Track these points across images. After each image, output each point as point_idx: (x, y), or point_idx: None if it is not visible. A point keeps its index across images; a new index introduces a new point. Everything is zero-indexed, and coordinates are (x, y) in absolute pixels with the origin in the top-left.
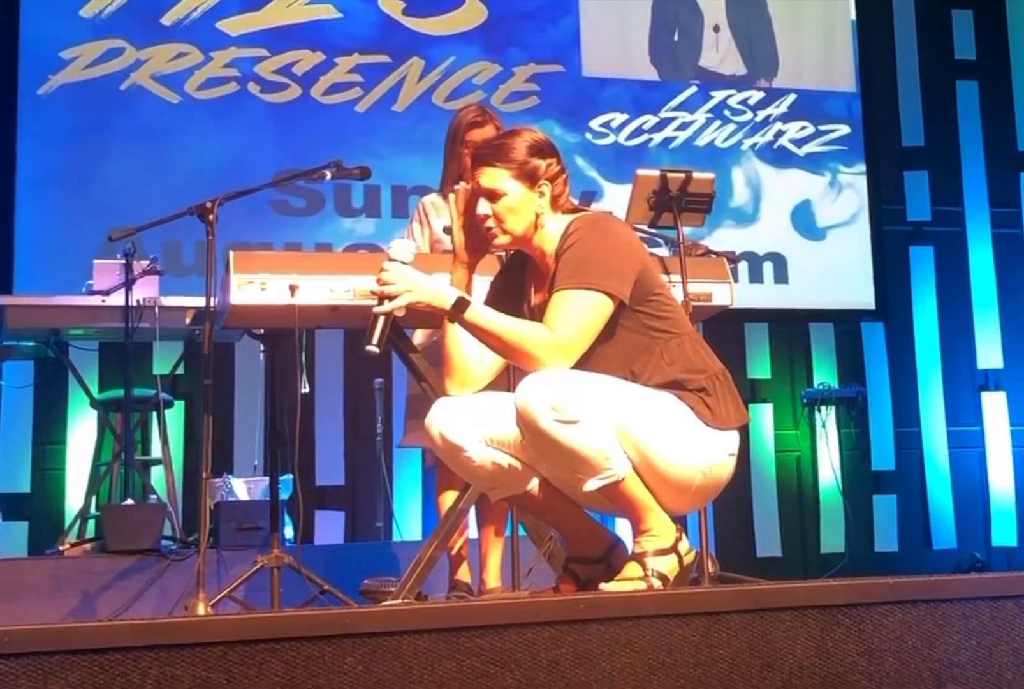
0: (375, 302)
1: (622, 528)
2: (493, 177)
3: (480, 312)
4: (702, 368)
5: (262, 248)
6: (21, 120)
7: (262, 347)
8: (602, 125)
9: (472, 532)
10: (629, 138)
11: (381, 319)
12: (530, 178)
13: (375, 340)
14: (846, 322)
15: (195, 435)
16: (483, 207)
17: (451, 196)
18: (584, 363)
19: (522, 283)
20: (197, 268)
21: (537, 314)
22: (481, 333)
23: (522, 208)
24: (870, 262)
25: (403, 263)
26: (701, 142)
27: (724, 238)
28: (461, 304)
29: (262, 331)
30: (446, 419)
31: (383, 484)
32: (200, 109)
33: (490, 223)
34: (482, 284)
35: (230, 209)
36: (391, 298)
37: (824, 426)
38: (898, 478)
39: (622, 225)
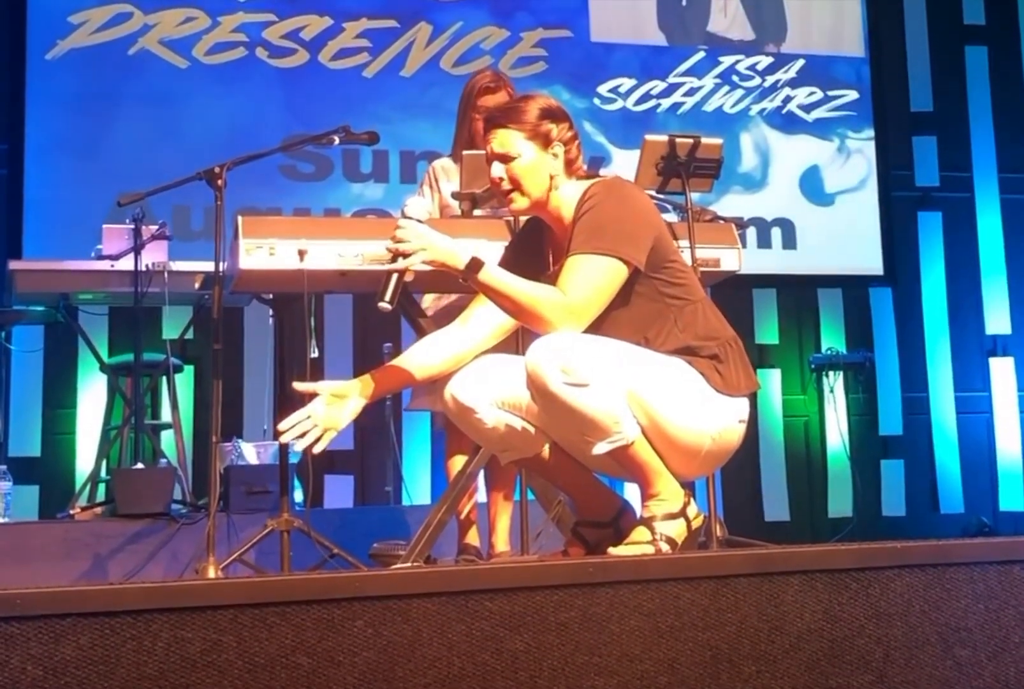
0: (387, 262)
1: (631, 492)
2: (506, 139)
3: (494, 273)
4: (714, 335)
5: (271, 213)
6: (30, 85)
7: (271, 312)
8: (610, 90)
9: (481, 496)
10: (637, 103)
11: (394, 277)
12: (543, 140)
13: (387, 297)
14: (854, 288)
15: (205, 399)
16: (497, 170)
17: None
18: (598, 328)
19: (540, 250)
20: (206, 233)
21: (556, 281)
22: (494, 294)
23: (536, 169)
24: (878, 228)
25: (418, 221)
26: (709, 107)
27: (732, 204)
28: (475, 265)
29: (271, 296)
30: (458, 381)
31: (392, 448)
32: (208, 74)
33: (506, 186)
34: (494, 250)
35: (239, 174)
36: (405, 256)
37: (832, 391)
38: (906, 443)
39: (639, 191)
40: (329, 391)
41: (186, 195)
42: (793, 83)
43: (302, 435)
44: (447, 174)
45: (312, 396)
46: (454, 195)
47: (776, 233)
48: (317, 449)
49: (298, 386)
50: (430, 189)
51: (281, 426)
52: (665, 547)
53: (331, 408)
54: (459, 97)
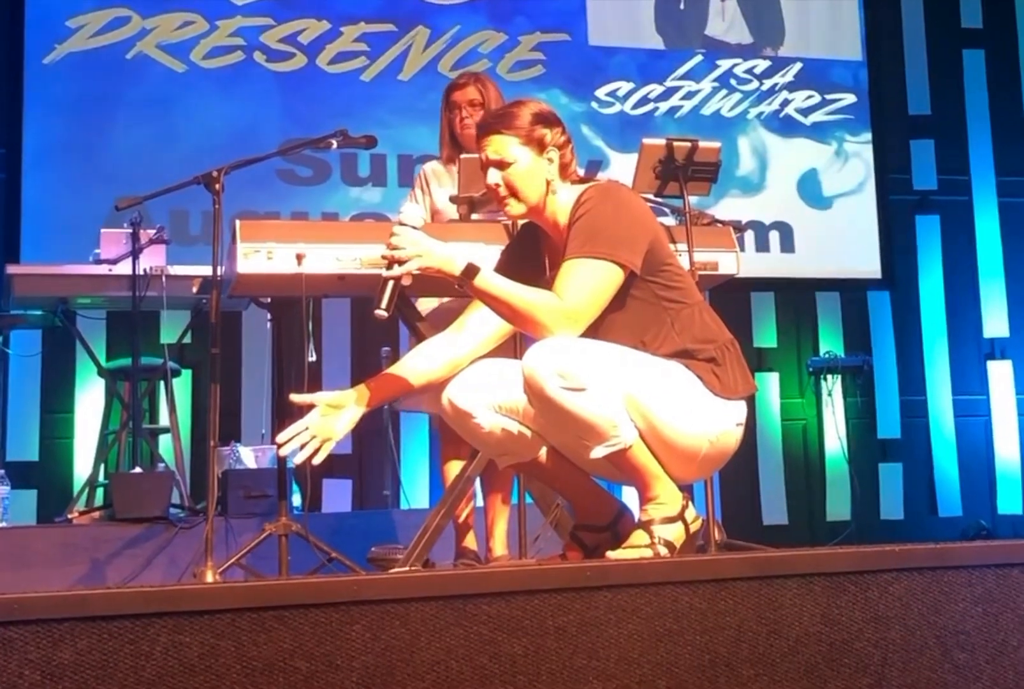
0: (384, 267)
1: (629, 496)
2: (501, 145)
3: (490, 279)
4: (711, 338)
5: (269, 217)
6: (27, 89)
7: (269, 316)
8: (608, 94)
9: (479, 500)
10: (635, 107)
11: (390, 284)
12: (538, 145)
13: (384, 304)
14: (852, 291)
15: (202, 403)
16: (493, 176)
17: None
18: (595, 332)
19: (536, 255)
20: (204, 237)
21: (552, 286)
22: (490, 300)
23: (532, 175)
24: (876, 231)
25: (413, 228)
26: (707, 111)
27: (730, 207)
28: (471, 270)
29: (269, 300)
30: (455, 386)
31: (390, 452)
32: (206, 78)
33: (502, 192)
34: (492, 253)
35: (237, 178)
36: (401, 262)
37: (830, 395)
38: (904, 446)
39: (634, 195)
40: (325, 402)
41: (184, 199)
42: (791, 87)
43: (301, 447)
44: (437, 178)
45: (310, 406)
46: (452, 199)
47: (774, 236)
48: (316, 460)
49: (295, 398)
50: (421, 192)
51: (279, 439)
52: (663, 551)
53: (328, 418)
54: None
